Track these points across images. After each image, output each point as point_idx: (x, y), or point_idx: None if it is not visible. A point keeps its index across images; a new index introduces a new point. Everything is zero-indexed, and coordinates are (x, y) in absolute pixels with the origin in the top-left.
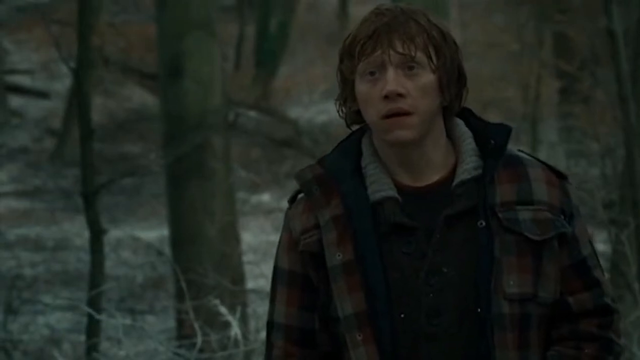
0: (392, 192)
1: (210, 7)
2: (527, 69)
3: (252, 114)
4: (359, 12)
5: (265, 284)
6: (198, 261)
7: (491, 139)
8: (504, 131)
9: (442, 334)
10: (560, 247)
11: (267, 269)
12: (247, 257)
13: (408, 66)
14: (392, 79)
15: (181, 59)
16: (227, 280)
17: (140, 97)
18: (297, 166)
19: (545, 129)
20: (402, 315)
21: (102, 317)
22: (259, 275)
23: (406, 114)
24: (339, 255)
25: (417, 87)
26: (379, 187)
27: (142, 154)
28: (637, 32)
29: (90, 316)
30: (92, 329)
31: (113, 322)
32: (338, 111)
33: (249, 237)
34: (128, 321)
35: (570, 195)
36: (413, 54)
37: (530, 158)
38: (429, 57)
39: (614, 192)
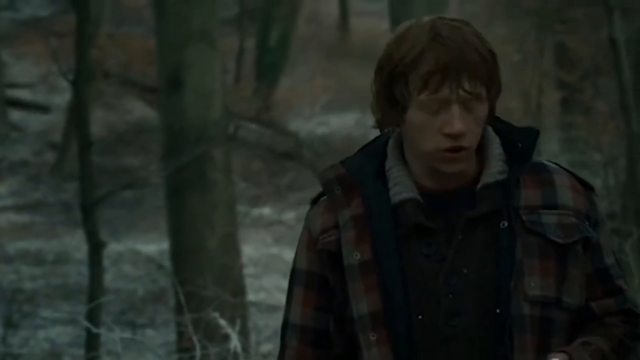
0: (414, 194)
1: (211, 19)
2: (529, 79)
3: (253, 126)
4: (359, 24)
5: (265, 296)
6: (198, 274)
7: (518, 142)
8: (531, 134)
9: (460, 335)
10: (584, 253)
11: (268, 281)
12: (247, 270)
13: (470, 101)
14: (459, 119)
15: (181, 70)
16: (228, 293)
17: (141, 110)
18: (298, 179)
19: (547, 140)
20: (420, 317)
21: (101, 330)
22: (259, 288)
23: (465, 148)
24: (356, 255)
25: (475, 120)
26: (401, 189)
27: (142, 166)
28: (638, 41)
29: (89, 330)
30: (91, 342)
31: (112, 335)
32: (376, 125)
33: (249, 249)
34: (128, 335)
35: (596, 204)
36: (479, 91)
37: (555, 166)
38: (488, 89)
39: (616, 202)
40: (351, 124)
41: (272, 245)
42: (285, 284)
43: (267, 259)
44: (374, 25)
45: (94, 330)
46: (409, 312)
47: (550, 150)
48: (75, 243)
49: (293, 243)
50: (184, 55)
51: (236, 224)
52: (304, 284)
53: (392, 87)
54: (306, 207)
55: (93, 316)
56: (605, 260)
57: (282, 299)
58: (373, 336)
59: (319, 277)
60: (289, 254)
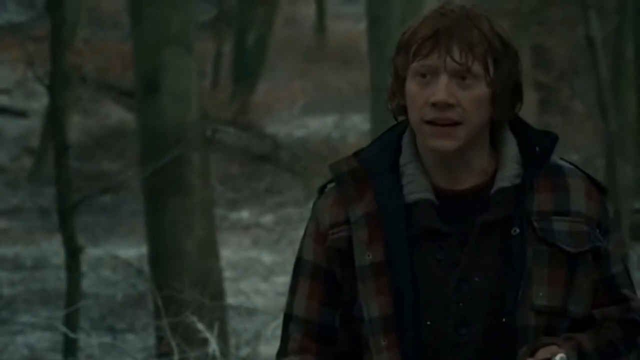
0: (429, 195)
1: (187, 22)
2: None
3: (231, 129)
4: (336, 26)
5: (244, 300)
6: (177, 278)
7: (536, 146)
8: (550, 139)
9: (468, 344)
10: (593, 261)
11: (247, 285)
12: (226, 274)
13: (462, 76)
14: (443, 88)
15: (158, 74)
16: (207, 297)
17: (118, 114)
18: (276, 182)
19: None
20: (429, 323)
21: (78, 335)
22: (238, 292)
23: (455, 123)
24: (368, 255)
25: (469, 99)
26: (416, 187)
27: (120, 171)
28: (615, 40)
29: (66, 335)
30: (69, 348)
31: (90, 340)
32: (385, 103)
33: (228, 253)
34: (107, 339)
35: (609, 210)
36: (470, 64)
37: (572, 167)
38: (486, 69)
39: None
40: (329, 126)
41: (251, 249)
42: (264, 287)
43: (245, 262)
44: (351, 28)
45: (71, 335)
46: (418, 317)
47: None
48: (54, 248)
49: (272, 246)
50: (161, 59)
51: (214, 227)
52: (310, 275)
53: (396, 60)
54: (284, 211)
55: (71, 321)
56: (612, 269)
57: (261, 302)
58: (384, 341)
59: (326, 271)
60: (267, 257)
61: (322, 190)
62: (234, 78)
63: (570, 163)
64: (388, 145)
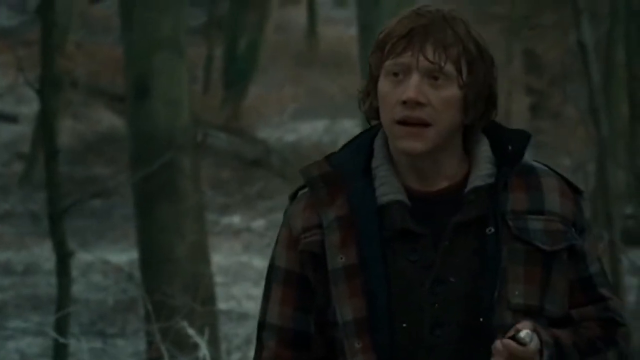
0: (401, 196)
1: (179, 27)
2: (497, 86)
3: (222, 134)
4: (327, 31)
5: (235, 305)
6: (168, 283)
7: (509, 145)
8: (523, 137)
9: (444, 345)
10: (569, 260)
11: (238, 290)
12: (217, 279)
13: (434, 76)
14: (414, 86)
15: (149, 79)
16: (198, 302)
17: (109, 119)
18: (267, 187)
19: None
20: (404, 325)
21: (68, 340)
22: (229, 297)
23: (424, 124)
24: (341, 258)
25: (440, 99)
26: (388, 189)
27: (111, 176)
28: (606, 45)
29: (56, 340)
30: (59, 353)
31: (80, 345)
32: (359, 103)
33: (219, 258)
34: (97, 345)
35: (583, 209)
36: (443, 64)
37: (545, 168)
38: (459, 71)
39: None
40: (320, 131)
41: (242, 254)
42: (255, 292)
43: (236, 267)
44: (342, 33)
45: (62, 340)
46: (393, 319)
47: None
48: (45, 254)
49: (263, 251)
50: (152, 64)
51: (205, 232)
52: (282, 282)
53: (371, 62)
54: (276, 216)
55: (61, 326)
56: (589, 268)
57: (252, 307)
58: (358, 344)
59: (298, 277)
60: (258, 262)
61: (294, 196)
62: (225, 83)
63: (544, 164)
64: (360, 148)
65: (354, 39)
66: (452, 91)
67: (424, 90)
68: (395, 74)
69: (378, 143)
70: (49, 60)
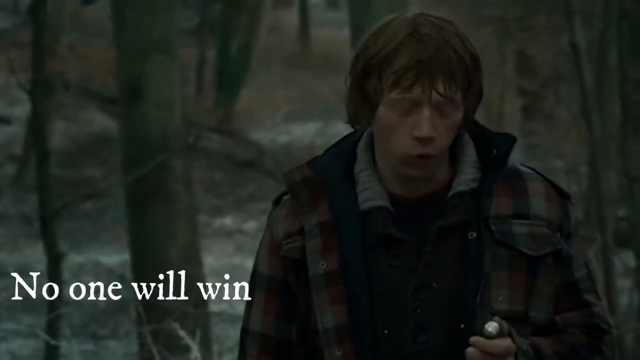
0: (384, 202)
1: (171, 29)
2: (490, 87)
3: (214, 136)
4: (320, 33)
5: (227, 307)
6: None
7: (493, 148)
8: (508, 140)
9: (427, 351)
10: (554, 265)
11: (230, 292)
12: (209, 280)
13: (443, 106)
14: (428, 122)
15: (141, 81)
16: (189, 304)
17: (102, 121)
18: (259, 189)
19: None
20: (386, 332)
21: (60, 342)
22: (221, 299)
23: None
24: (322, 264)
25: (447, 127)
26: (370, 195)
27: (103, 177)
28: (599, 47)
29: (48, 342)
30: (51, 355)
31: (73, 347)
32: (349, 120)
33: (211, 260)
34: (89, 346)
35: (570, 214)
36: (454, 95)
37: (532, 172)
38: (464, 93)
39: (579, 209)
40: (313, 133)
41: (234, 255)
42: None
43: (228, 268)
44: (334, 35)
45: (53, 342)
46: (375, 326)
47: (512, 157)
48: (37, 255)
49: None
50: (144, 66)
51: (197, 234)
52: (265, 289)
53: (365, 82)
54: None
55: (53, 328)
56: (575, 274)
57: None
58: (338, 351)
59: (281, 283)
60: (251, 264)
61: (277, 201)
62: (218, 85)
63: (530, 168)
64: (342, 153)
65: (346, 40)
66: (457, 116)
67: (436, 124)
68: (404, 105)
69: (361, 147)
70: (41, 62)
